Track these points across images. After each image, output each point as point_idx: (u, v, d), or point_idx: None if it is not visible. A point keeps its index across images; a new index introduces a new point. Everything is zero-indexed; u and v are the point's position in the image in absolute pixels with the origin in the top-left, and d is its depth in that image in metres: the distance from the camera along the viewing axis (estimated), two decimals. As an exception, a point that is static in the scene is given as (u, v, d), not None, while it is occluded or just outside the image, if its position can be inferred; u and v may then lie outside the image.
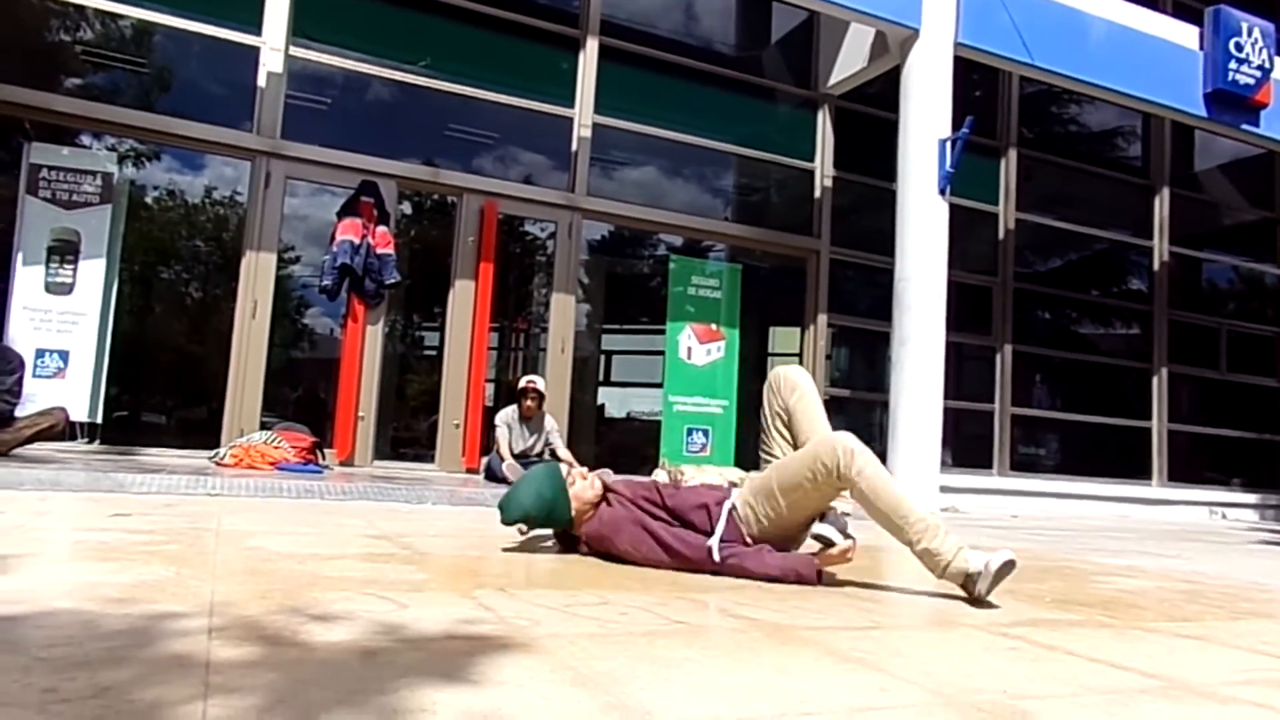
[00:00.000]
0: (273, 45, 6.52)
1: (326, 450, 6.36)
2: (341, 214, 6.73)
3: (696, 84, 8.12)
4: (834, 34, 8.18)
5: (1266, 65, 7.98)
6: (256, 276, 6.46)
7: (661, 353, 7.87)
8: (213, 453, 5.83)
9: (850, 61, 8.01)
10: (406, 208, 7.78)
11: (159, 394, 7.64)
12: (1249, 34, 7.91)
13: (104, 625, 1.45)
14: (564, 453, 6.44)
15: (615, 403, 8.94)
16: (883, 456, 6.95)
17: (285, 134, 6.57)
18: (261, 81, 6.50)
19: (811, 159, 8.43)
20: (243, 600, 1.72)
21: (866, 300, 8.30)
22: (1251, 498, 9.92)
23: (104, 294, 6.17)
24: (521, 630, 1.64)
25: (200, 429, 6.67)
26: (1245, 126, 8.21)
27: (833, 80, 8.24)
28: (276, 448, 5.66)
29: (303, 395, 7.95)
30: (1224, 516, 9.45)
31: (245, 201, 6.67)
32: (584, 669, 1.39)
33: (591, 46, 7.59)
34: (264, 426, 6.19)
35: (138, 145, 6.69)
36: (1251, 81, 7.93)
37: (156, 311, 7.83)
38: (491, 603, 1.90)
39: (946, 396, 6.74)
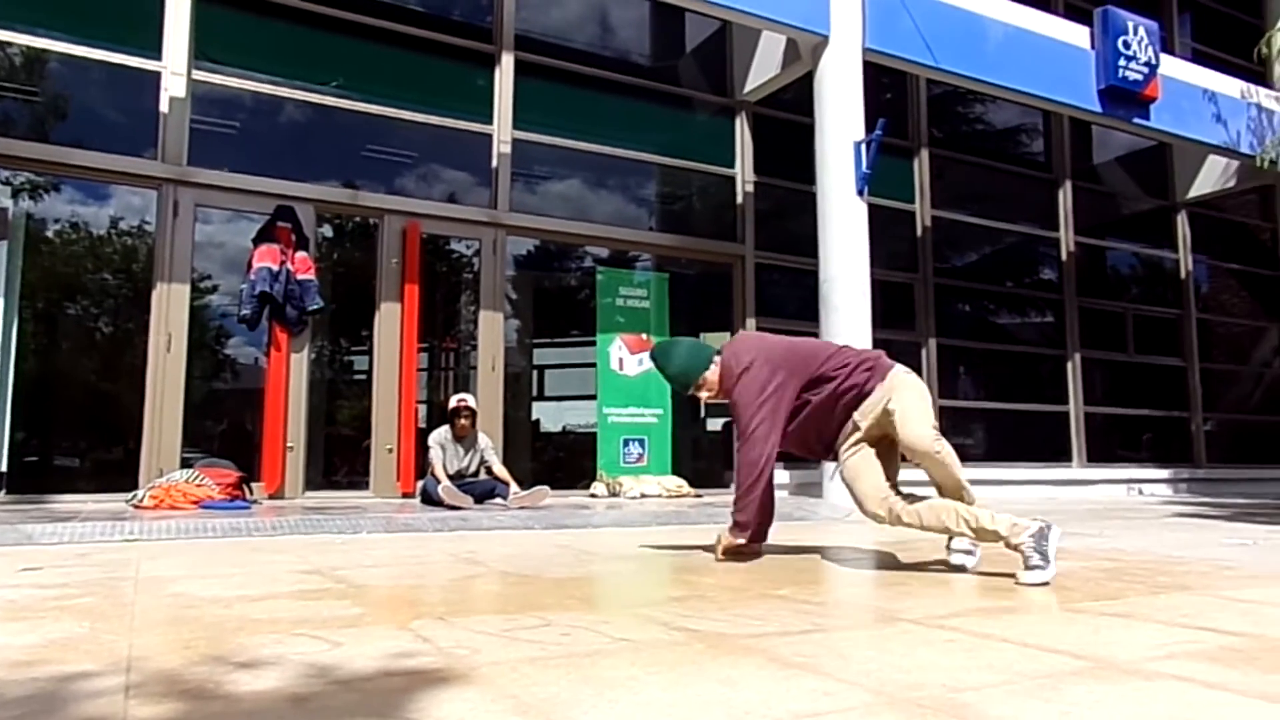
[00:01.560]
0: (174, 70, 6.30)
1: (254, 484, 6.16)
2: (258, 240, 6.54)
3: (614, 95, 8.16)
4: (747, 42, 8.32)
5: (1153, 61, 8.42)
6: (169, 308, 6.22)
7: (594, 365, 7.86)
8: (130, 495, 5.57)
9: (764, 68, 8.15)
10: (328, 231, 7.60)
11: (71, 436, 7.26)
12: (1135, 32, 8.33)
13: (9, 692, 1.36)
14: (500, 469, 6.36)
15: (550, 417, 8.87)
16: (817, 455, 7.04)
17: (192, 160, 6.36)
18: (164, 107, 6.27)
19: (732, 165, 8.55)
20: (163, 653, 1.64)
21: (794, 302, 8.43)
22: (1165, 472, 10.40)
23: (3, 334, 5.85)
24: (461, 660, 1.60)
25: (117, 470, 6.37)
26: (1137, 120, 8.64)
27: (748, 87, 8.37)
28: (199, 485, 5.44)
29: (228, 429, 7.66)
30: (1140, 492, 9.88)
31: (154, 231, 6.42)
32: (526, 696, 1.36)
33: (507, 62, 7.56)
34: (185, 464, 5.95)
35: (34, 178, 6.38)
36: (1140, 77, 8.35)
37: (64, 349, 7.44)
38: (430, 633, 1.85)
39: (875, 393, 6.88)
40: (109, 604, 2.20)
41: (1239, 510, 6.74)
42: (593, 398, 7.84)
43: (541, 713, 1.28)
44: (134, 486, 5.80)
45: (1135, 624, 2.01)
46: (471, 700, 1.34)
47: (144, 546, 3.57)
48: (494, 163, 7.45)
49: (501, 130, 7.47)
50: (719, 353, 3.24)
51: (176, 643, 1.73)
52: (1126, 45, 8.26)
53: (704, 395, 3.26)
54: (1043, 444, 9.89)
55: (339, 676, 1.48)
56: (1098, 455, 10.07)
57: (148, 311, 6.23)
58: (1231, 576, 2.87)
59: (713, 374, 3.20)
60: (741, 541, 3.15)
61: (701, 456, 8.50)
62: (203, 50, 6.50)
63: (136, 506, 5.29)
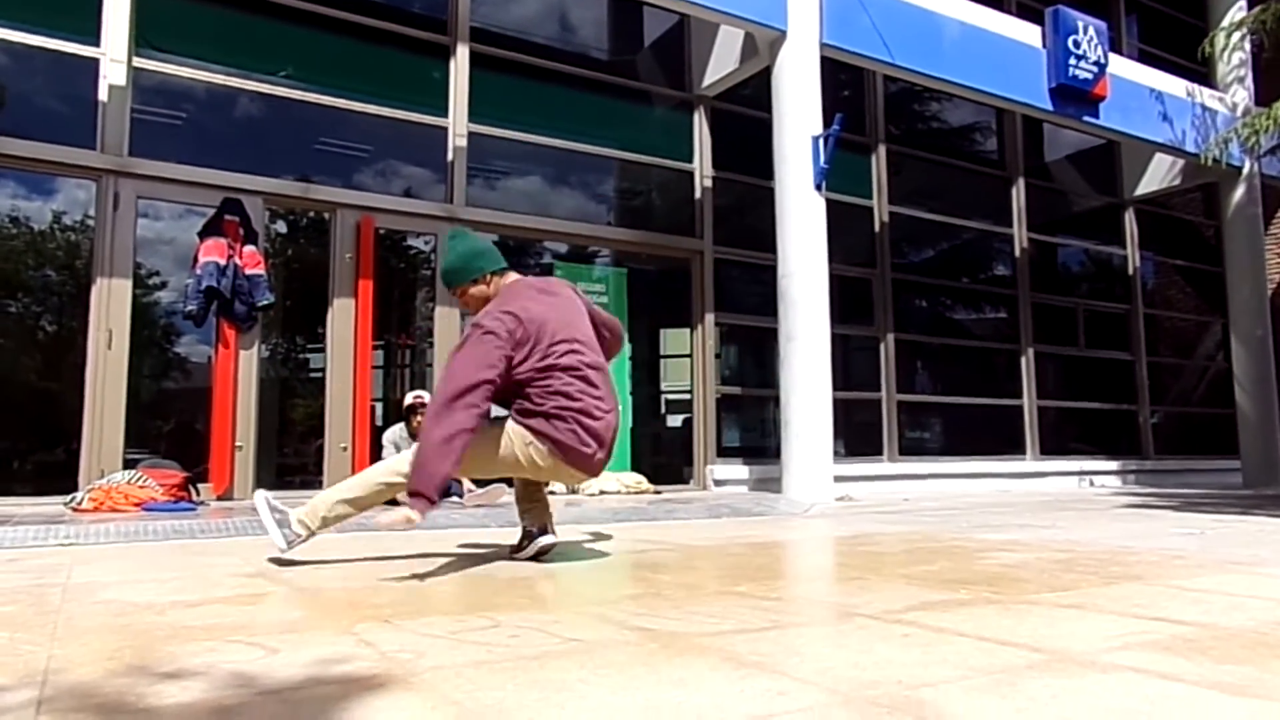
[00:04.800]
0: (113, 57, 6.08)
1: (201, 485, 5.98)
2: (204, 234, 6.35)
3: (572, 89, 8.07)
4: (705, 36, 8.29)
5: (1102, 61, 8.57)
6: (110, 304, 6.01)
7: (553, 361, 7.76)
8: (69, 497, 5.37)
9: (723, 63, 8.13)
10: (281, 226, 7.41)
11: (10, 437, 7.01)
12: (1085, 32, 8.47)
13: (-92, 711, 1.26)
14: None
15: (509, 414, 8.78)
16: (777, 450, 7.05)
17: (134, 151, 6.14)
18: (103, 95, 6.05)
19: (690, 160, 8.51)
20: (84, 664, 1.54)
21: (752, 298, 8.43)
22: (1114, 464, 10.62)
23: (-67, 332, 5.60)
24: (402, 665, 1.53)
25: (57, 472, 6.14)
26: (1086, 118, 8.79)
27: (707, 82, 8.34)
28: (142, 487, 5.26)
29: (175, 428, 7.45)
30: (1092, 484, 10.07)
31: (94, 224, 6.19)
32: (469, 703, 1.30)
33: (462, 54, 7.43)
34: (129, 465, 5.75)
35: (-33, 169, 6.11)
36: (1090, 76, 8.49)
37: (3, 347, 7.18)
38: (372, 637, 1.78)
39: (835, 387, 6.91)
40: (32, 612, 2.08)
41: (1186, 500, 6.90)
42: (551, 394, 7.75)
43: (484, 720, 1.22)
44: (74, 488, 5.60)
45: (1089, 615, 2.01)
46: (410, 708, 1.27)
47: (79, 551, 3.42)
48: (450, 156, 7.32)
49: (457, 124, 7.34)
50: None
51: (101, 653, 1.63)
52: (1076, 44, 8.40)
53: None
54: (997, 437, 10.03)
55: (268, 685, 1.40)
56: (1050, 448, 10.24)
57: (89, 308, 6.01)
58: (1181, 566, 2.90)
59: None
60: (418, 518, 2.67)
61: (661, 452, 8.47)
62: (144, 37, 6.28)
63: (75, 509, 5.10)
